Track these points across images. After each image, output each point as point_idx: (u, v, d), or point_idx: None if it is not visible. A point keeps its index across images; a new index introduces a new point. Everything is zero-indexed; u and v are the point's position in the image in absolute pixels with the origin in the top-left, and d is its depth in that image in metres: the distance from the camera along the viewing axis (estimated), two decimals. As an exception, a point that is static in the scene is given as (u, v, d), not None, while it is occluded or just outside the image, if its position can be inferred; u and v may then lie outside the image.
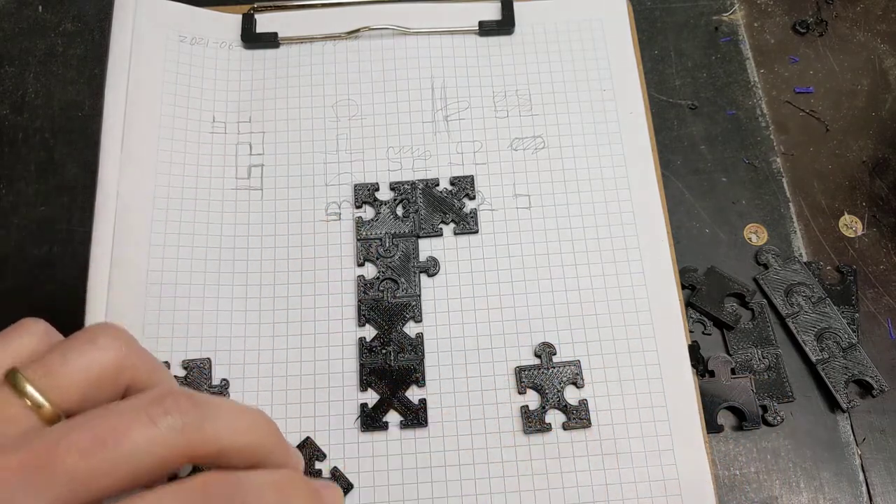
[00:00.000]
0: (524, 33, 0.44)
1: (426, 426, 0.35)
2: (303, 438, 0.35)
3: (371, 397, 0.36)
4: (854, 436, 0.37)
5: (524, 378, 0.36)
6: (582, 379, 0.36)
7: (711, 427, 0.37)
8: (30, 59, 0.46)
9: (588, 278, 0.38)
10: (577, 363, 0.37)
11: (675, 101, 0.45)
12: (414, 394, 0.36)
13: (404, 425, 0.35)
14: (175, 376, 0.36)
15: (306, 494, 0.24)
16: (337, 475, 0.34)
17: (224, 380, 0.36)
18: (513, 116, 0.42)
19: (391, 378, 0.36)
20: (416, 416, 0.35)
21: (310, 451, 0.35)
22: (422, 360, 0.36)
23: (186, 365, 0.36)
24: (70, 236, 0.41)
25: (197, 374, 0.36)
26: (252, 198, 0.40)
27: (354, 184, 0.40)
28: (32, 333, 0.23)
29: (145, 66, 0.41)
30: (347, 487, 0.34)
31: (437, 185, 0.40)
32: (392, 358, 0.36)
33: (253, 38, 0.43)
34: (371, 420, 0.35)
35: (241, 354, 0.36)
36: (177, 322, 0.37)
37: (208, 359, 0.36)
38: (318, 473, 0.34)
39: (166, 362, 0.36)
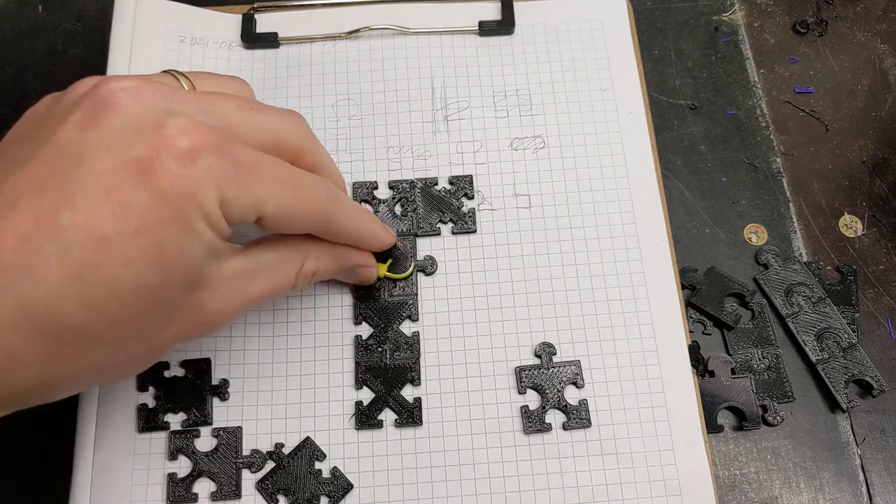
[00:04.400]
0: (524, 33, 0.44)
1: (421, 425, 0.35)
2: (303, 438, 0.35)
3: (367, 396, 0.36)
4: (854, 436, 0.37)
5: (524, 378, 0.36)
6: (582, 379, 0.36)
7: (711, 427, 0.37)
8: (30, 60, 0.46)
9: (588, 278, 0.38)
10: (577, 363, 0.37)
11: (675, 101, 0.45)
12: (410, 392, 0.36)
13: (399, 424, 0.35)
14: (175, 376, 0.36)
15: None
16: (337, 475, 0.34)
17: (224, 380, 0.36)
18: (513, 116, 0.42)
19: (386, 376, 0.36)
20: (410, 415, 0.35)
21: (310, 450, 0.35)
22: (417, 358, 0.36)
23: (186, 365, 0.36)
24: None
25: (197, 374, 0.36)
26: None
27: (353, 182, 0.40)
28: (238, 86, 0.31)
29: (145, 66, 0.41)
30: (347, 487, 0.34)
31: (436, 184, 0.40)
32: (387, 356, 0.36)
33: (253, 38, 0.43)
34: (365, 418, 0.35)
35: (241, 354, 0.36)
36: (176, 322, 0.37)
37: (208, 359, 0.36)
38: (318, 473, 0.34)
39: (165, 362, 0.36)
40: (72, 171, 0.23)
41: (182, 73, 0.29)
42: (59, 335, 0.23)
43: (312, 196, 0.29)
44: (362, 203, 0.40)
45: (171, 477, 0.34)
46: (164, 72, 0.29)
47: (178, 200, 0.24)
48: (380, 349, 0.37)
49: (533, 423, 0.35)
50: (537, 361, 0.37)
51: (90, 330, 0.24)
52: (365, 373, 0.36)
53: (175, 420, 0.35)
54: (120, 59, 0.40)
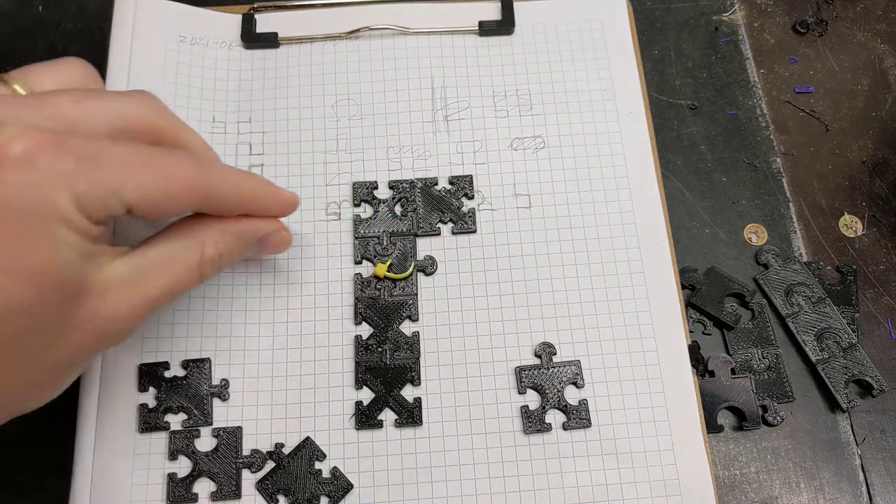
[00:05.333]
0: (524, 33, 0.44)
1: (421, 425, 0.35)
2: (303, 438, 0.35)
3: (366, 396, 0.36)
4: (854, 436, 0.37)
5: (524, 378, 0.36)
6: (582, 379, 0.36)
7: (711, 427, 0.37)
8: (30, 59, 0.45)
9: (588, 278, 0.38)
10: (577, 363, 0.37)
11: (675, 101, 0.45)
12: (410, 392, 0.36)
13: (399, 424, 0.35)
14: (175, 376, 0.36)
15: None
16: (337, 475, 0.34)
17: (224, 380, 0.36)
18: (513, 116, 0.42)
19: (386, 376, 0.36)
20: (410, 415, 0.35)
21: (310, 450, 0.35)
22: (417, 358, 0.36)
23: (186, 365, 0.36)
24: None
25: (197, 374, 0.36)
26: (252, 198, 0.40)
27: (353, 182, 0.40)
28: (72, 71, 0.29)
29: (145, 66, 0.41)
30: (347, 487, 0.34)
31: (436, 184, 0.40)
32: (387, 356, 0.36)
33: (253, 38, 0.43)
34: (365, 418, 0.35)
35: (241, 354, 0.36)
36: (177, 322, 0.37)
37: (208, 359, 0.36)
38: (318, 473, 0.34)
39: (165, 362, 0.36)
40: None
41: (11, 76, 0.27)
42: None
43: (177, 171, 0.27)
44: (362, 203, 0.40)
45: (171, 477, 0.34)
46: None
47: (26, 209, 0.22)
48: (380, 349, 0.37)
49: (533, 423, 0.35)
50: (537, 361, 0.37)
51: None
52: (365, 373, 0.36)
53: (175, 420, 0.35)
54: (120, 59, 0.40)
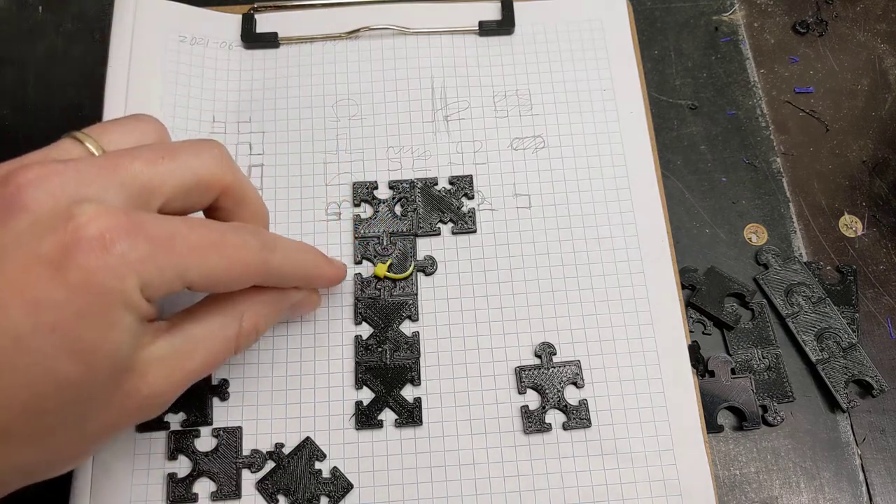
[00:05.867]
0: (524, 33, 0.44)
1: (421, 425, 0.35)
2: (303, 438, 0.35)
3: (366, 396, 0.36)
4: (854, 436, 0.37)
5: (524, 378, 0.36)
6: (582, 379, 0.36)
7: (711, 427, 0.37)
8: (30, 60, 0.46)
9: (588, 278, 0.38)
10: (577, 363, 0.37)
11: (675, 101, 0.45)
12: (410, 392, 0.36)
13: (399, 424, 0.35)
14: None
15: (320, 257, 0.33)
16: (337, 475, 0.34)
17: (224, 380, 0.36)
18: (513, 116, 0.42)
19: (386, 376, 0.36)
20: (410, 415, 0.35)
21: (309, 451, 0.35)
22: (417, 358, 0.37)
23: (186, 365, 0.36)
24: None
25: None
26: (252, 198, 0.40)
27: (353, 182, 0.40)
28: (145, 129, 0.29)
29: (145, 66, 0.41)
30: (347, 487, 0.34)
31: (436, 184, 0.40)
32: (387, 356, 0.36)
33: (253, 38, 0.43)
34: (365, 418, 0.35)
35: (241, 354, 0.36)
36: (176, 322, 0.37)
37: (208, 358, 0.36)
38: (318, 473, 0.34)
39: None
40: None
41: (86, 135, 0.27)
42: None
43: (241, 253, 0.27)
44: (362, 203, 0.40)
45: (171, 477, 0.34)
46: (67, 135, 0.28)
47: (95, 293, 0.23)
48: (380, 349, 0.37)
49: (533, 423, 0.35)
50: (537, 361, 0.37)
51: (11, 431, 0.23)
52: (365, 373, 0.36)
53: (175, 420, 0.35)
54: (120, 59, 0.40)
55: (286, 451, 0.35)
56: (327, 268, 0.33)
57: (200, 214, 0.31)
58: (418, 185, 0.40)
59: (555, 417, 0.36)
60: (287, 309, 0.33)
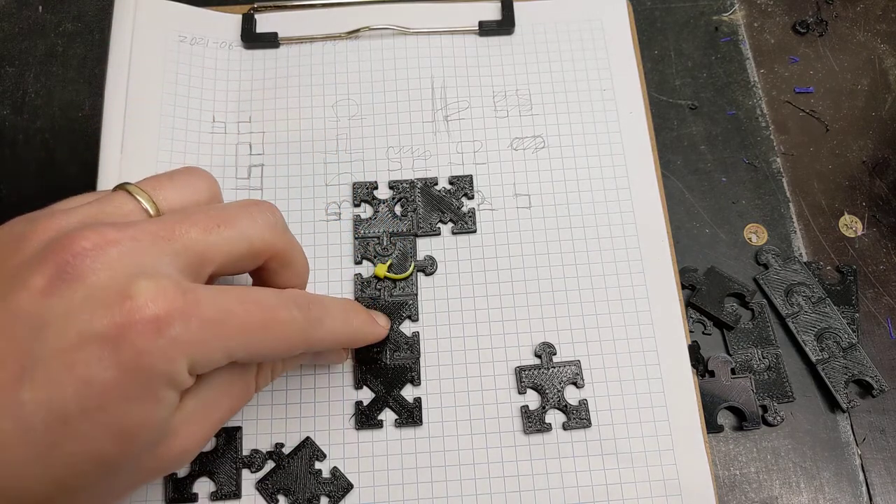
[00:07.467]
0: (524, 33, 0.44)
1: (421, 425, 0.35)
2: (303, 438, 0.35)
3: (366, 396, 0.36)
4: (854, 436, 0.37)
5: (524, 378, 0.36)
6: (582, 379, 0.36)
7: (711, 427, 0.37)
8: (30, 60, 0.46)
9: (588, 278, 0.38)
10: (577, 363, 0.37)
11: (675, 101, 0.45)
12: (410, 392, 0.36)
13: (399, 424, 0.35)
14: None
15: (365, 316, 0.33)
16: (337, 475, 0.34)
17: (224, 379, 0.36)
18: (513, 116, 0.42)
19: (386, 376, 0.36)
20: (410, 415, 0.35)
21: (310, 451, 0.35)
22: (417, 358, 0.36)
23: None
24: (70, 236, 0.41)
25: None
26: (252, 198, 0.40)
27: (353, 182, 0.40)
28: (198, 185, 0.29)
29: (145, 66, 0.41)
30: (347, 487, 0.34)
31: (436, 184, 0.40)
32: (387, 356, 0.36)
33: (253, 38, 0.43)
34: (365, 418, 0.35)
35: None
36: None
37: (208, 358, 0.36)
38: (318, 473, 0.34)
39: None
40: (31, 343, 0.22)
41: (140, 188, 0.27)
42: None
43: (288, 331, 0.27)
44: (362, 203, 0.40)
45: (171, 477, 0.34)
46: (119, 187, 0.27)
47: (145, 375, 0.23)
48: (380, 349, 0.37)
49: (533, 423, 0.35)
50: (537, 361, 0.37)
51: (51, 501, 0.23)
52: (365, 373, 0.36)
53: (175, 420, 0.35)
54: (120, 59, 0.40)
55: (286, 450, 0.35)
56: (370, 332, 0.33)
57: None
58: (418, 185, 0.40)
59: (555, 417, 0.36)
60: (310, 357, 0.33)
